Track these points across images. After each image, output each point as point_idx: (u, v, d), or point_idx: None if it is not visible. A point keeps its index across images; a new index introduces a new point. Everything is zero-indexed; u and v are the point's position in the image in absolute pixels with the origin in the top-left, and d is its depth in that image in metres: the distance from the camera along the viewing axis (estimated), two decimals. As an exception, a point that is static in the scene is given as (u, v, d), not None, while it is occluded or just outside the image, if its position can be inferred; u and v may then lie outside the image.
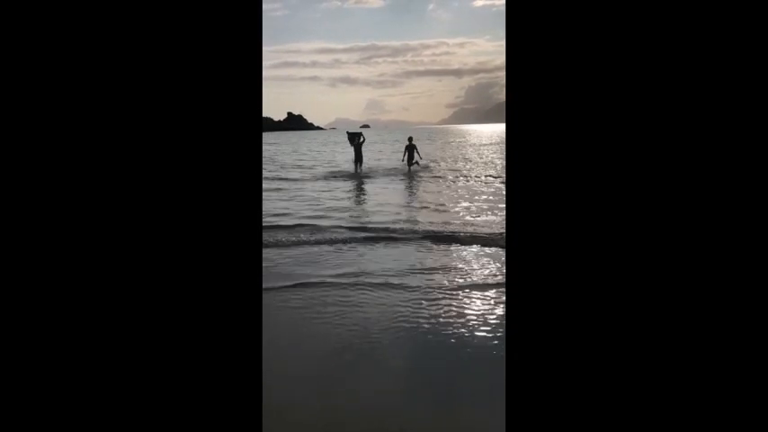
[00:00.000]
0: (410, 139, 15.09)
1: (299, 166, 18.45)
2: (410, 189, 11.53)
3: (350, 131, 15.08)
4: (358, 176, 13.72)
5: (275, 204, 9.09)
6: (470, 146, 32.46)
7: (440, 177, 13.42)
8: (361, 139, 14.51)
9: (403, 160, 14.90)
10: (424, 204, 8.97)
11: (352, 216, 7.82)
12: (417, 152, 14.85)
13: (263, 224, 6.04)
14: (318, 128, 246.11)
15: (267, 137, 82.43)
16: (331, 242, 5.97)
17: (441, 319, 3.43)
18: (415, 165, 14.50)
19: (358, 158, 14.54)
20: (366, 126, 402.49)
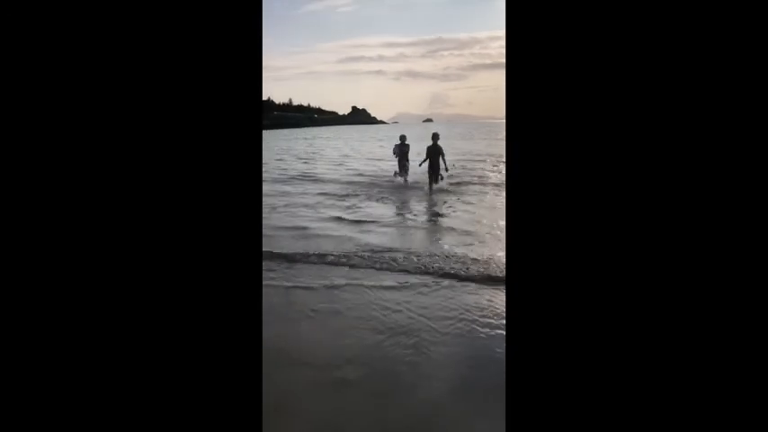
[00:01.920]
0: (435, 137, 9.30)
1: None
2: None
3: (397, 143, 10.38)
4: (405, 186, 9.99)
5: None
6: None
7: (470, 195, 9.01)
8: (403, 147, 10.21)
9: (420, 165, 9.60)
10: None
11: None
12: (443, 158, 9.31)
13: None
14: (381, 122, 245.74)
15: (329, 130, 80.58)
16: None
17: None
18: (440, 178, 9.45)
19: (402, 166, 10.29)
20: (429, 120, 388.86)
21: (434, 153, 9.31)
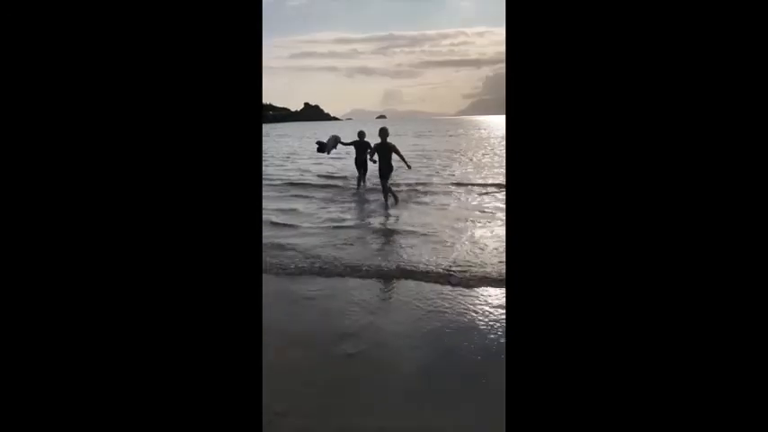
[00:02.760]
0: (383, 132, 7.63)
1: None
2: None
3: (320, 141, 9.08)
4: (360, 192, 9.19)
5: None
6: (478, 139, 30.40)
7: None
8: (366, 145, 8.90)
9: (374, 163, 7.94)
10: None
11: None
12: (399, 155, 7.66)
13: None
14: (335, 118, 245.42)
15: (282, 127, 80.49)
16: None
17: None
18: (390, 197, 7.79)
19: (360, 166, 9.12)
20: (383, 117, 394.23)
21: (384, 150, 7.51)
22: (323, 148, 8.93)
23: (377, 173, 7.76)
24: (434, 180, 10.43)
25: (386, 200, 7.69)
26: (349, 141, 9.04)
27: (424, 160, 14.97)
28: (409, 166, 8.07)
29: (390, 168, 7.64)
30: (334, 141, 9.04)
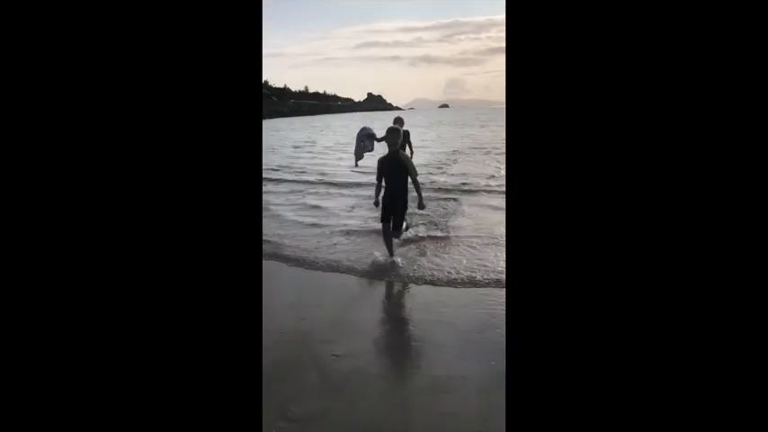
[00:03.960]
0: (398, 121, 6.56)
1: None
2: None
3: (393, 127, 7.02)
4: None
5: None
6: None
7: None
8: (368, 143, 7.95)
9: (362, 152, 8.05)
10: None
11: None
12: (410, 145, 8.25)
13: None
14: (398, 108, 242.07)
15: (343, 118, 78.96)
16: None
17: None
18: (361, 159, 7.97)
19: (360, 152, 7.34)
20: (445, 106, 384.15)
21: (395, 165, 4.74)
22: (359, 155, 7.10)
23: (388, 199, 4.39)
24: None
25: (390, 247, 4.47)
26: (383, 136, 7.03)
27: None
28: (422, 206, 4.34)
29: (403, 202, 4.35)
30: (369, 140, 7.05)
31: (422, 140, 18.10)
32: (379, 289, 4.05)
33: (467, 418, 2.23)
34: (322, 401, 2.39)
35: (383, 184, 4.29)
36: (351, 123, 54.19)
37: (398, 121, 5.89)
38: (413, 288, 3.96)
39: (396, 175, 4.21)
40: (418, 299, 3.81)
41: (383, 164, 4.31)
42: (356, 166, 7.59)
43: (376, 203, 4.33)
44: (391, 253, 4.45)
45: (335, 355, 2.82)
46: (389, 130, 4.31)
